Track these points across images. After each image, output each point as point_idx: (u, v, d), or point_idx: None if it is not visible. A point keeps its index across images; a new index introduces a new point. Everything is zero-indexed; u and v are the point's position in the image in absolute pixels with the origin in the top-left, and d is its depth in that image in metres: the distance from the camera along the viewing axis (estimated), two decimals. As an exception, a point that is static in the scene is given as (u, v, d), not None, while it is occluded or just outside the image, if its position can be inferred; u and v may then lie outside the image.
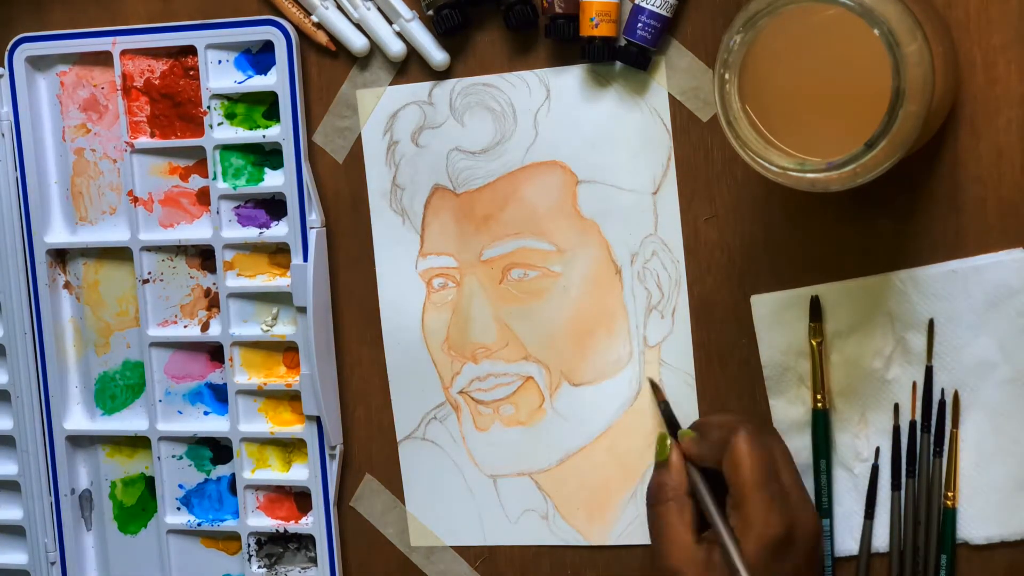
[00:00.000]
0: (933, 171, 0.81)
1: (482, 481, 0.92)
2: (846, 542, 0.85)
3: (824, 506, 0.85)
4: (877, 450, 0.83)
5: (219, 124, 0.92)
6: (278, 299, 0.94)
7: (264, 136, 0.92)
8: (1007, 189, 0.80)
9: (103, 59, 0.94)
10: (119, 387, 0.98)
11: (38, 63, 0.95)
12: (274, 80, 0.91)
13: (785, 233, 0.84)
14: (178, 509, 0.98)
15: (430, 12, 0.87)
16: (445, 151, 0.90)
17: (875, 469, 0.83)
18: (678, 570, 0.81)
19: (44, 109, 0.96)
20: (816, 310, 0.83)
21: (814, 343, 0.84)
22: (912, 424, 0.83)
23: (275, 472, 0.96)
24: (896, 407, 0.83)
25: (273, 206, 0.93)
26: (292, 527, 0.95)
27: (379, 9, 0.89)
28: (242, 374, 0.95)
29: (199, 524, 0.97)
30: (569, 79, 0.87)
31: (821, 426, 0.84)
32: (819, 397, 0.84)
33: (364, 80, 0.91)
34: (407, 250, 0.92)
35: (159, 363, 0.96)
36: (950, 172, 0.80)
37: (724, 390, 0.87)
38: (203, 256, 0.95)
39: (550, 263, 0.89)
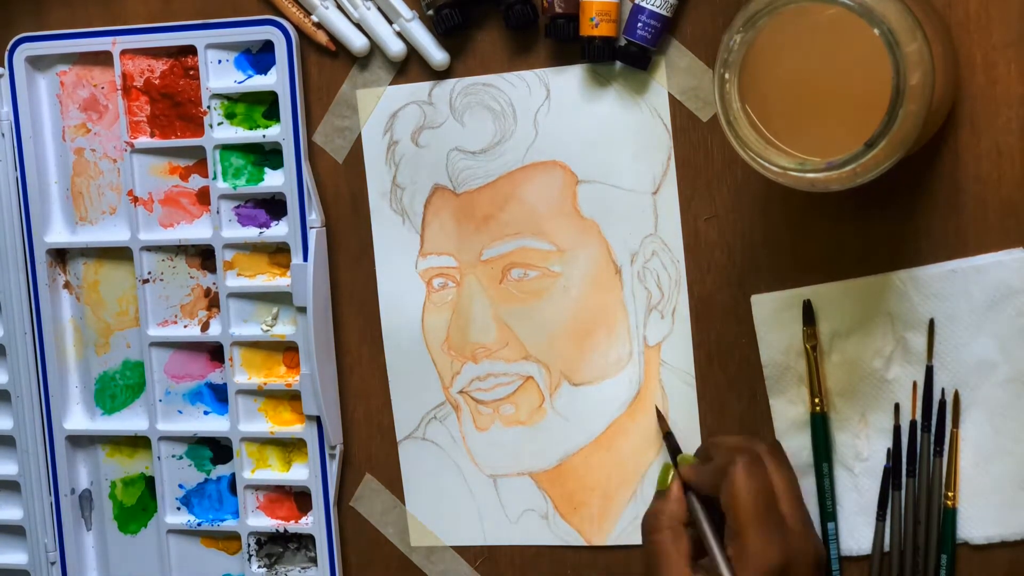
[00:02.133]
0: (933, 171, 0.81)
1: (482, 481, 0.92)
2: (846, 542, 0.85)
3: (828, 509, 0.84)
4: (888, 451, 0.83)
5: (219, 124, 0.92)
6: (278, 299, 0.94)
7: (264, 136, 0.92)
8: (1007, 189, 0.80)
9: (103, 59, 0.94)
10: (119, 387, 0.98)
11: (38, 63, 0.95)
12: (274, 80, 0.91)
13: (785, 233, 0.84)
14: (178, 509, 0.98)
15: (430, 12, 0.87)
16: (445, 151, 0.90)
17: (886, 471, 0.83)
18: None
19: (44, 109, 0.96)
20: (809, 314, 0.83)
21: (808, 347, 0.84)
22: (912, 424, 0.83)
23: (275, 472, 0.96)
24: (896, 407, 0.83)
25: (273, 206, 0.93)
26: (292, 527, 0.95)
27: (379, 9, 0.89)
28: (242, 374, 0.95)
29: (199, 524, 0.97)
30: (569, 79, 0.87)
31: (820, 429, 0.84)
32: (817, 400, 0.84)
33: (364, 80, 0.91)
34: (407, 250, 0.92)
35: (159, 363, 0.96)
36: (950, 172, 0.80)
37: (724, 390, 0.87)
38: (203, 256, 0.95)
39: (550, 263, 0.89)
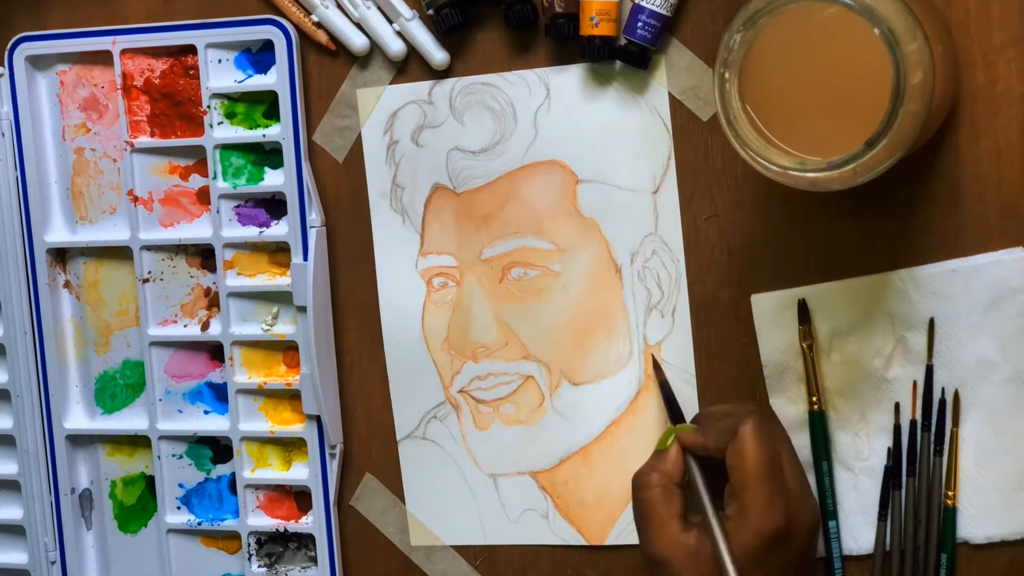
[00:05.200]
0: (933, 171, 0.81)
1: (482, 480, 0.92)
2: (846, 542, 0.85)
3: (828, 508, 0.84)
4: (888, 451, 0.83)
5: (219, 123, 0.92)
6: (278, 298, 0.94)
7: (264, 135, 0.92)
8: (1007, 189, 0.80)
9: (103, 58, 0.94)
10: (119, 386, 0.98)
11: (38, 62, 0.95)
12: (274, 79, 0.91)
13: (785, 232, 0.84)
14: (178, 508, 0.98)
15: (430, 11, 0.87)
16: (445, 150, 0.90)
17: (886, 471, 0.83)
18: (665, 558, 0.79)
19: (44, 109, 0.96)
20: (804, 313, 0.83)
21: (804, 346, 0.84)
22: (912, 423, 0.83)
23: (275, 471, 0.96)
24: (896, 406, 0.83)
25: (273, 205, 0.93)
26: (292, 526, 0.95)
27: (379, 8, 0.89)
28: (242, 373, 0.95)
29: (199, 523, 0.97)
30: (569, 78, 0.87)
31: (819, 428, 0.84)
32: (815, 399, 0.84)
33: (364, 79, 0.91)
34: (407, 249, 0.92)
35: (159, 362, 0.96)
36: (950, 172, 0.80)
37: (724, 389, 0.87)
38: (203, 255, 0.95)
39: (550, 262, 0.89)
